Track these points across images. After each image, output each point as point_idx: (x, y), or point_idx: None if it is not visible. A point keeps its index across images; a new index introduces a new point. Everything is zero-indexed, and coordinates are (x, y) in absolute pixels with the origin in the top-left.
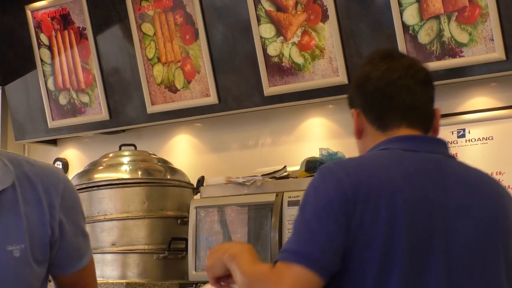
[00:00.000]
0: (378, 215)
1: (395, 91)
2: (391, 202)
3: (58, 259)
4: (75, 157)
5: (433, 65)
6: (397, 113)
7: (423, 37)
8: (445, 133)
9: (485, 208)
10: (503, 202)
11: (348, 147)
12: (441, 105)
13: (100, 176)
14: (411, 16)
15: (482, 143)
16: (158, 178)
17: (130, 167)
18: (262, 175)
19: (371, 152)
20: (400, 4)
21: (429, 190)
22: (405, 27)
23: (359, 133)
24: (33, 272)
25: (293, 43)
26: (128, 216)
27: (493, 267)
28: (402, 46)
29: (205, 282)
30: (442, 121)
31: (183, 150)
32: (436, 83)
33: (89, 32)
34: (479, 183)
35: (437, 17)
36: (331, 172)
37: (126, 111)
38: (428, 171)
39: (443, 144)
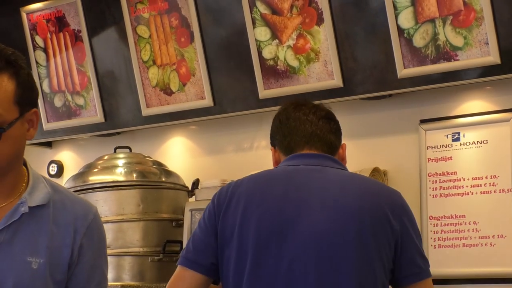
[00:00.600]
0: (234, 218)
1: (300, 124)
2: (246, 207)
3: (70, 282)
4: (70, 160)
5: (428, 68)
6: (301, 139)
7: (418, 40)
8: (440, 136)
9: (346, 204)
10: (372, 199)
11: None
12: (436, 108)
13: (95, 178)
14: (406, 19)
15: (477, 147)
16: (153, 181)
17: (125, 169)
18: None
19: None
20: (395, 8)
21: (289, 196)
22: (400, 30)
23: (277, 165)
24: None
25: (288, 46)
26: (123, 219)
27: (347, 255)
28: (397, 49)
29: None
30: (438, 124)
31: (178, 153)
32: (431, 86)
33: (84, 35)
34: (348, 185)
35: (432, 20)
36: (217, 191)
37: (121, 113)
38: (298, 178)
39: (328, 159)
